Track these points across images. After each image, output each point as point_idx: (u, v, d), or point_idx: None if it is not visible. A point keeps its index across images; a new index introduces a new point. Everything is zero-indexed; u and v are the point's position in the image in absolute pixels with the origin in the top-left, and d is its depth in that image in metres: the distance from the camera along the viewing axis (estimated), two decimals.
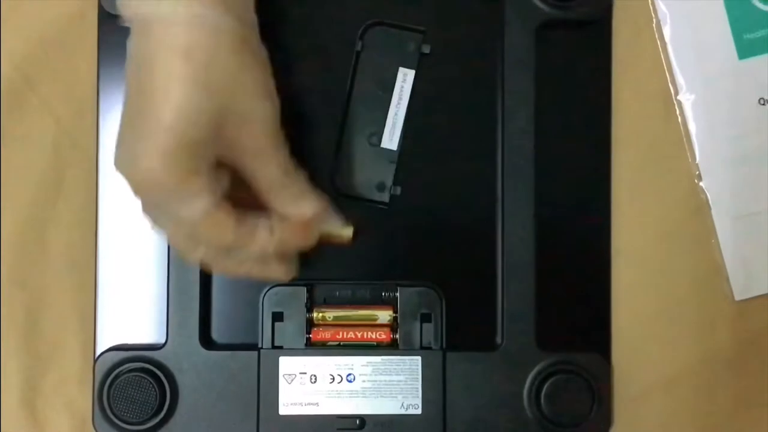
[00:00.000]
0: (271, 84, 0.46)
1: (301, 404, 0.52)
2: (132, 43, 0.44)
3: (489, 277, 0.54)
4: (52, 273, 0.55)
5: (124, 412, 0.52)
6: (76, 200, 0.55)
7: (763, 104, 0.55)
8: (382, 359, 0.53)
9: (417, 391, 0.52)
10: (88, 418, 0.53)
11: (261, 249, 0.47)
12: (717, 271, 0.55)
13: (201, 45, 0.43)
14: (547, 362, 0.53)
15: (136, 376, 0.52)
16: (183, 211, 0.44)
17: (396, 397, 0.52)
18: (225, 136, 0.44)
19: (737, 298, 0.54)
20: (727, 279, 0.54)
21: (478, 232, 0.55)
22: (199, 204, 0.44)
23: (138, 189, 0.44)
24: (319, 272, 0.54)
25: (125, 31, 0.48)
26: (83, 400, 0.54)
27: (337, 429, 0.52)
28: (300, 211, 0.47)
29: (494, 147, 0.55)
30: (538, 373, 0.53)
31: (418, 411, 0.52)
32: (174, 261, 0.53)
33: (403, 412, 0.52)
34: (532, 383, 0.53)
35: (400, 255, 0.55)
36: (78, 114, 0.55)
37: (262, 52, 0.47)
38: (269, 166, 0.46)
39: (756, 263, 0.55)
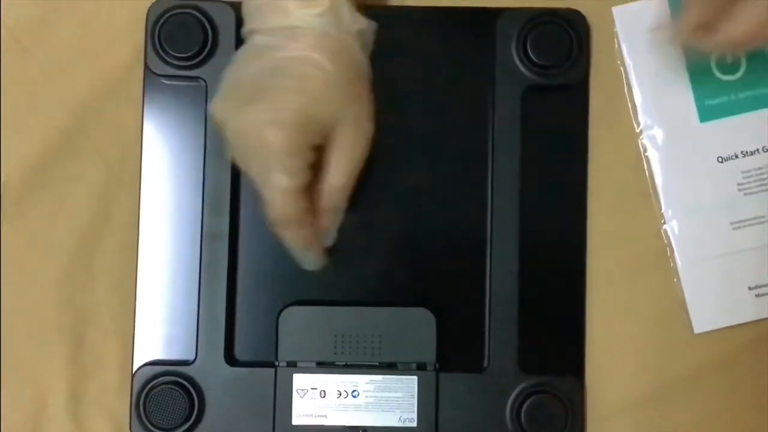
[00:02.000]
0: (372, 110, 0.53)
1: (311, 416, 0.55)
2: (269, 39, 0.50)
3: (477, 306, 0.57)
4: (96, 295, 0.57)
5: (158, 420, 0.55)
6: (120, 233, 0.57)
7: (721, 162, 0.57)
8: (382, 378, 0.56)
9: (413, 406, 0.55)
10: (125, 424, 0.56)
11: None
12: (679, 306, 0.57)
13: (345, 55, 0.51)
14: (527, 383, 0.56)
15: (168, 388, 0.55)
16: (274, 179, 0.49)
17: (395, 411, 0.55)
18: (330, 132, 0.51)
19: (696, 330, 0.57)
20: (688, 313, 0.57)
21: (470, 265, 0.57)
22: (292, 179, 0.49)
23: (256, 143, 0.49)
24: (328, 294, 0.57)
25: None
26: (121, 408, 0.56)
27: None
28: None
29: (484, 191, 0.57)
30: (520, 392, 0.56)
31: (414, 424, 0.55)
32: (204, 287, 0.56)
33: (401, 425, 0.55)
34: (514, 402, 0.56)
35: (400, 285, 0.57)
36: (124, 157, 0.57)
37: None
38: (344, 167, 0.52)
39: (713, 300, 0.57)
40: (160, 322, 0.57)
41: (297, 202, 0.50)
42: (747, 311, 0.57)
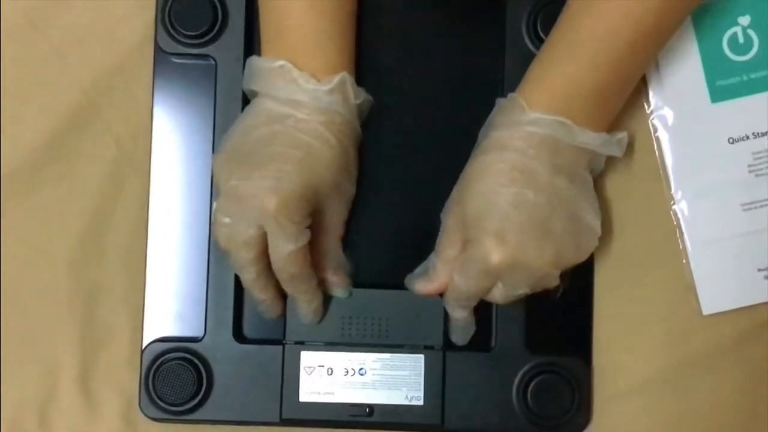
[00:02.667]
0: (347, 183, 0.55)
1: (318, 393, 0.56)
2: (279, 106, 0.51)
3: None
4: (107, 271, 0.58)
5: (167, 395, 0.56)
6: (130, 209, 0.58)
7: (732, 143, 0.57)
8: (390, 356, 0.56)
9: (420, 384, 0.55)
10: (134, 398, 0.56)
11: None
12: (688, 288, 0.57)
13: (348, 130, 0.53)
14: (534, 363, 0.56)
15: (177, 364, 0.56)
16: (281, 245, 0.50)
17: (401, 389, 0.55)
18: (325, 200, 0.53)
19: (705, 312, 0.57)
20: (696, 295, 0.57)
21: None
22: (295, 243, 0.50)
23: (255, 208, 0.49)
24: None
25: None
26: (131, 383, 0.56)
27: (350, 415, 0.55)
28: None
29: None
30: (526, 372, 0.56)
31: (420, 402, 0.55)
32: (213, 265, 0.56)
33: (407, 402, 0.55)
34: (520, 382, 0.56)
35: (408, 266, 0.56)
36: (135, 135, 0.58)
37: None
38: (337, 230, 0.55)
39: (722, 282, 0.57)
40: (170, 299, 0.57)
41: (301, 261, 0.51)
42: (757, 293, 0.57)
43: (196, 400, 0.56)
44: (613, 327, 0.57)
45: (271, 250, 0.51)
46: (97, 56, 0.59)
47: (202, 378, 0.56)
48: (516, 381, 0.56)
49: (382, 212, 0.58)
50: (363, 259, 0.58)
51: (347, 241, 0.57)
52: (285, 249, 0.50)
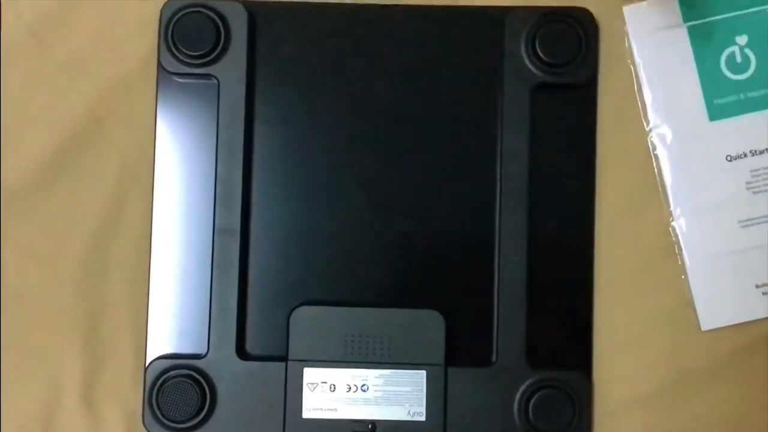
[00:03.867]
0: None
1: (321, 409, 0.55)
2: None
3: (486, 303, 0.57)
4: (111, 287, 0.58)
5: (170, 412, 0.56)
6: (134, 226, 0.58)
7: (730, 160, 0.57)
8: (391, 372, 0.56)
9: (422, 400, 0.55)
10: (137, 414, 0.56)
11: None
12: (686, 304, 0.57)
13: None
14: (535, 378, 0.56)
15: (181, 381, 0.56)
16: None
17: (403, 405, 0.55)
18: None
19: (704, 328, 0.57)
20: (695, 311, 0.57)
21: (479, 263, 0.57)
22: None
23: None
24: (339, 294, 0.57)
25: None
26: (134, 397, 0.57)
27: (354, 431, 0.56)
28: None
29: (493, 190, 0.57)
30: (527, 387, 0.56)
31: (423, 418, 0.55)
32: (216, 283, 0.56)
33: (409, 418, 0.56)
34: (521, 396, 0.56)
35: (410, 283, 0.58)
36: (139, 152, 0.58)
37: None
38: None
39: (720, 298, 0.57)
40: (173, 317, 0.57)
41: None
42: (755, 309, 0.57)
43: (200, 417, 0.56)
44: (613, 342, 0.57)
45: None
46: (103, 74, 0.59)
47: (205, 395, 0.56)
48: (517, 396, 0.56)
49: (384, 231, 0.58)
50: (365, 278, 0.58)
51: (347, 257, 0.57)
52: None
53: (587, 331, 0.58)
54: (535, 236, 0.57)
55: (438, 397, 0.56)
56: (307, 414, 0.56)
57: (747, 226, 0.57)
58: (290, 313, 0.56)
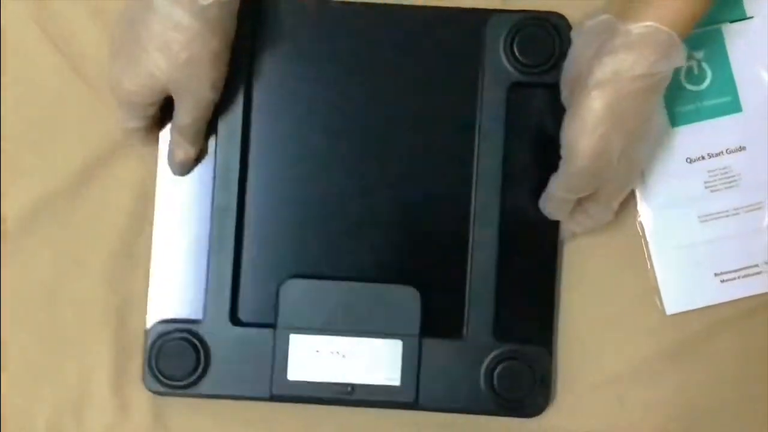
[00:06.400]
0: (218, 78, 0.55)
1: (305, 372, 0.59)
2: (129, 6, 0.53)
3: (460, 280, 0.60)
4: (137, 282, 0.60)
5: (168, 370, 0.59)
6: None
7: (690, 162, 0.61)
8: (370, 341, 0.59)
9: (397, 367, 0.59)
10: (162, 399, 0.59)
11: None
12: (653, 290, 0.60)
13: (190, 29, 0.52)
14: (500, 350, 0.59)
15: (178, 343, 0.59)
16: (127, 121, 0.57)
17: (380, 371, 0.59)
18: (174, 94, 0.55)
19: (668, 312, 0.60)
20: (660, 297, 0.60)
21: (454, 244, 0.61)
22: (134, 123, 0.57)
23: (115, 95, 0.55)
24: (327, 269, 0.61)
25: None
26: None
27: (333, 393, 0.59)
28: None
29: (470, 179, 0.60)
30: (493, 359, 0.59)
31: (397, 383, 0.59)
32: (213, 255, 0.60)
33: (385, 383, 0.59)
34: (487, 367, 0.59)
35: (389, 259, 0.61)
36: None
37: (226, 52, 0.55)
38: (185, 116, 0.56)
39: (683, 285, 0.61)
40: (173, 286, 0.60)
41: (142, 137, 0.58)
42: (713, 295, 0.60)
43: (195, 376, 0.59)
44: (585, 324, 0.60)
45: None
46: None
47: (200, 356, 0.59)
48: (484, 366, 0.59)
49: (367, 212, 0.61)
50: (349, 254, 0.61)
51: (333, 235, 0.61)
52: (129, 125, 0.57)
53: (550, 309, 0.61)
54: (508, 222, 0.60)
55: (412, 365, 0.59)
56: (292, 376, 0.59)
57: (705, 221, 0.61)
58: (280, 285, 0.59)
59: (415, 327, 0.59)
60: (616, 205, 0.57)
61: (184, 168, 0.60)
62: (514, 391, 0.60)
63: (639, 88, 0.52)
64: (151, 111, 0.57)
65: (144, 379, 0.59)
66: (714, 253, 0.61)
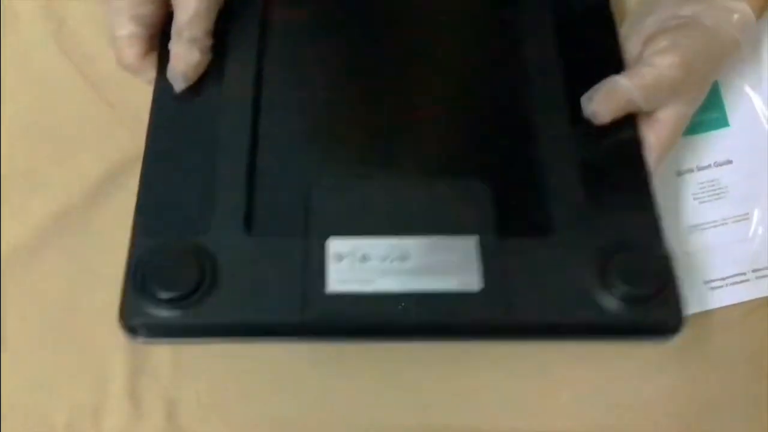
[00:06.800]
0: None
1: (351, 281, 0.45)
2: None
3: (533, 173, 0.50)
4: None
5: (159, 290, 0.44)
6: None
7: (679, 175, 0.62)
8: (435, 239, 0.46)
9: (474, 269, 0.45)
10: (177, 402, 0.58)
11: None
12: None
13: None
14: (606, 242, 0.47)
15: (174, 259, 0.45)
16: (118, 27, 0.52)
17: (453, 274, 0.45)
18: None
19: None
20: None
21: (520, 131, 0.51)
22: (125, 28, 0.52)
23: None
24: (367, 169, 0.50)
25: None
26: (173, 388, 0.59)
27: (392, 306, 0.44)
28: None
29: (524, 66, 0.54)
30: (599, 251, 0.46)
31: (476, 288, 0.45)
32: (220, 158, 0.49)
33: (460, 289, 0.45)
34: (596, 263, 0.46)
35: (449, 152, 0.51)
36: None
37: None
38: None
39: None
40: (166, 201, 0.48)
41: (140, 48, 0.52)
42: (704, 301, 0.61)
43: (197, 295, 0.44)
44: None
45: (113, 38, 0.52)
46: (144, 108, 0.61)
47: (204, 270, 0.45)
48: (591, 263, 0.46)
49: (420, 101, 0.53)
50: (392, 154, 0.51)
51: (370, 135, 0.51)
52: (125, 31, 0.52)
53: (650, 196, 0.50)
54: (574, 105, 0.52)
55: (493, 266, 0.45)
56: (333, 287, 0.44)
57: (694, 231, 0.62)
58: (308, 189, 0.47)
59: (490, 223, 0.47)
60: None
61: (186, 79, 0.52)
62: (635, 286, 0.46)
63: (713, 40, 0.53)
64: (144, 9, 0.53)
65: (123, 313, 0.45)
66: (702, 262, 0.62)
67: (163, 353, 0.60)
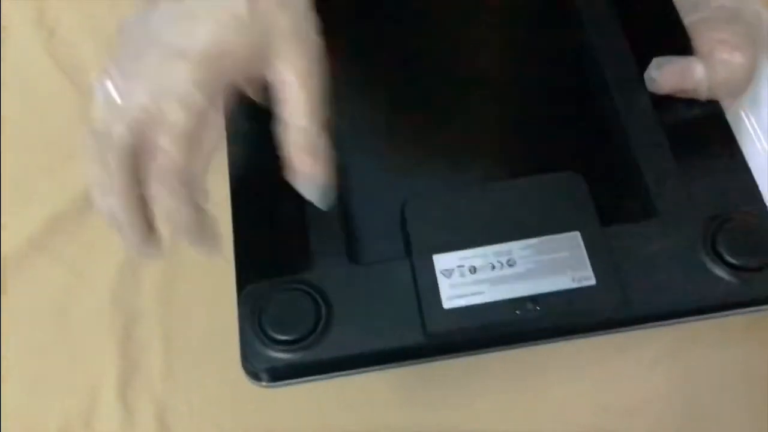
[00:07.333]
0: (306, 27, 0.42)
1: (465, 296, 0.45)
2: None
3: (621, 157, 0.49)
4: (143, 297, 0.61)
5: (279, 333, 0.44)
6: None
7: None
8: (539, 240, 0.45)
9: (585, 263, 0.45)
10: (168, 408, 0.58)
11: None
12: None
13: None
14: (709, 215, 0.46)
15: (287, 297, 0.45)
16: (171, 115, 0.40)
17: (565, 272, 0.45)
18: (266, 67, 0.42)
19: None
20: None
21: (599, 114, 0.51)
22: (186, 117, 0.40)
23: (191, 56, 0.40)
24: (452, 180, 0.49)
25: None
26: (164, 394, 0.59)
27: (512, 312, 0.44)
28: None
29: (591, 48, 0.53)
30: (707, 228, 0.46)
31: (592, 282, 0.44)
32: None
33: (576, 285, 0.44)
34: (704, 239, 0.45)
35: (536, 147, 0.50)
36: None
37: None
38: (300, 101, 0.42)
39: None
40: (265, 240, 0.48)
41: (190, 148, 0.41)
42: None
43: (316, 334, 0.44)
44: None
45: (163, 131, 0.42)
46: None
47: (319, 306, 0.45)
48: (699, 240, 0.46)
49: (502, 101, 0.52)
50: (486, 151, 0.50)
51: (467, 133, 0.49)
52: (180, 121, 0.41)
53: (744, 165, 0.49)
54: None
55: (603, 257, 0.45)
56: (448, 304, 0.44)
57: None
58: (403, 208, 0.47)
59: (591, 214, 0.46)
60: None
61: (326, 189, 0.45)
62: (748, 256, 0.45)
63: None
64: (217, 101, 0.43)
65: (246, 358, 0.44)
66: None
67: (155, 360, 0.60)
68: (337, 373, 0.45)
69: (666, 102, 0.51)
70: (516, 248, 0.45)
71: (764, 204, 0.47)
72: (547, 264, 0.45)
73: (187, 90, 0.40)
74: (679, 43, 0.52)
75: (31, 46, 0.66)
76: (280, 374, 0.44)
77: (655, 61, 0.52)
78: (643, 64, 0.52)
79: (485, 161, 0.50)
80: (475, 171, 0.49)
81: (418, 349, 0.44)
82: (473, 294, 0.45)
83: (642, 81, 0.51)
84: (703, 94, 0.52)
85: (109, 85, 0.42)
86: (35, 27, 0.66)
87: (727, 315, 0.46)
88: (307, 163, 0.43)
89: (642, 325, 0.46)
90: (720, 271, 0.45)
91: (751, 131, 0.59)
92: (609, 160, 0.50)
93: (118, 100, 0.41)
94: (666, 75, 0.52)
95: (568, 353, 0.57)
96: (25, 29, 0.66)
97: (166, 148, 0.40)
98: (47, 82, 0.65)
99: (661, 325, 0.46)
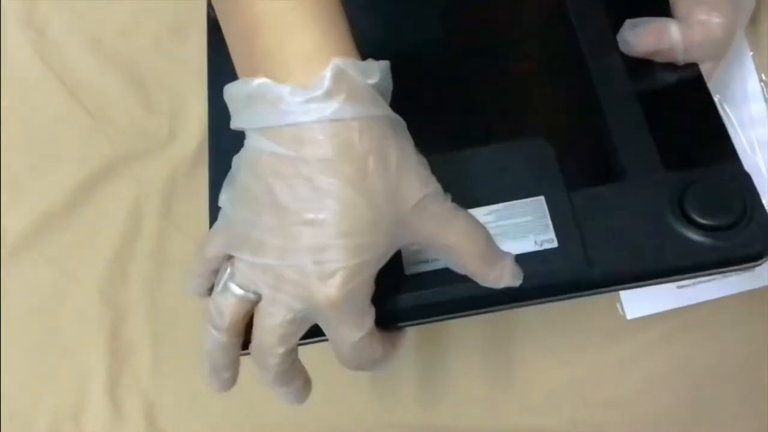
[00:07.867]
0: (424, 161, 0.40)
1: (426, 261, 0.44)
2: (273, 145, 0.37)
3: (592, 121, 0.48)
4: (130, 295, 0.62)
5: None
6: (150, 242, 0.63)
7: None
8: (503, 205, 0.45)
9: (548, 227, 0.44)
10: (156, 403, 0.59)
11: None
12: (614, 298, 0.60)
13: (373, 137, 0.37)
14: (679, 177, 0.45)
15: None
16: (351, 332, 0.39)
17: (527, 236, 0.44)
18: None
19: (629, 317, 0.60)
20: (621, 303, 0.60)
21: (570, 78, 0.50)
22: (368, 323, 0.39)
23: (321, 307, 0.38)
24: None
25: None
26: (151, 388, 0.60)
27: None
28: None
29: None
30: (674, 189, 0.45)
31: (554, 244, 0.44)
32: None
33: (538, 248, 0.44)
34: (671, 200, 0.44)
35: (507, 111, 0.49)
36: (152, 179, 0.64)
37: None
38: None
39: (641, 292, 0.56)
40: None
41: (370, 346, 0.41)
42: (671, 301, 0.61)
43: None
44: (547, 327, 0.59)
45: (338, 342, 0.40)
46: (122, 116, 0.66)
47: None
48: (666, 202, 0.45)
49: (476, 65, 0.51)
50: (454, 116, 0.49)
51: (432, 100, 0.48)
52: (354, 337, 0.39)
53: (720, 124, 0.48)
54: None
55: (566, 219, 0.44)
56: (408, 270, 0.44)
57: None
58: None
59: (555, 179, 0.45)
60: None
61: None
62: (717, 216, 0.44)
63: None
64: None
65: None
66: None
67: (143, 356, 0.61)
68: None
69: (643, 66, 0.50)
70: (481, 214, 0.44)
71: (741, 164, 0.46)
72: (510, 228, 0.45)
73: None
74: (657, 8, 0.51)
75: (20, 47, 0.66)
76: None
77: (629, 23, 0.51)
78: (619, 27, 0.51)
79: (452, 127, 0.49)
80: (441, 138, 0.47)
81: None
82: (434, 260, 0.44)
83: (615, 43, 0.50)
84: (679, 56, 0.50)
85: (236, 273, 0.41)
86: (24, 27, 0.67)
87: (695, 276, 0.45)
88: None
89: (607, 288, 0.45)
90: (686, 231, 0.44)
91: (730, 126, 0.59)
92: (580, 123, 0.49)
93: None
94: (640, 36, 0.50)
95: (552, 344, 0.59)
96: (14, 29, 0.67)
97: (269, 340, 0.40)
98: (36, 82, 0.66)
99: (626, 288, 0.46)
